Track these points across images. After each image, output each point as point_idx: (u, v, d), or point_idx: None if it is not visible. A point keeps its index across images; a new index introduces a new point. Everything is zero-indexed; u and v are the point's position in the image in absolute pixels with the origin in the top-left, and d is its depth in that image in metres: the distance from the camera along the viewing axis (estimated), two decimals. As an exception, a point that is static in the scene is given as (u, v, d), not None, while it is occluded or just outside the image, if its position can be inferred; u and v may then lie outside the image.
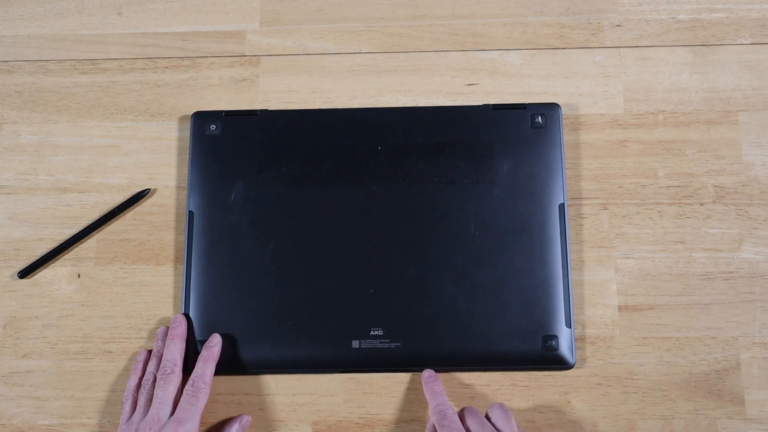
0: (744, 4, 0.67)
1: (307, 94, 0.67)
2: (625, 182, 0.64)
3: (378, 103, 0.66)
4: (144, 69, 0.68)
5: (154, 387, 0.58)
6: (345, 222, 0.62)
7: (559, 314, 0.60)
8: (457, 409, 0.57)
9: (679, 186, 0.63)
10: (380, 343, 0.60)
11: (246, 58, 0.68)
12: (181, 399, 0.56)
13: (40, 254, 0.64)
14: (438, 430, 0.54)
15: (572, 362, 0.59)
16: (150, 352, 0.61)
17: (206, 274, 0.61)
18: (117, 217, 0.64)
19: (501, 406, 0.56)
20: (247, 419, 0.60)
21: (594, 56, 0.67)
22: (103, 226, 0.64)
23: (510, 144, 0.63)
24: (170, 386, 0.57)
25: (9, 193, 0.65)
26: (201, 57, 0.68)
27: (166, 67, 0.68)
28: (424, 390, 0.58)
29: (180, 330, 0.60)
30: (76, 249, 0.64)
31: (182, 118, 0.66)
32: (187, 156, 0.65)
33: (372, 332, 0.60)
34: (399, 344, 0.60)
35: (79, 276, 0.63)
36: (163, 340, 0.60)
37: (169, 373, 0.57)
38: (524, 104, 0.64)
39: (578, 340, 0.61)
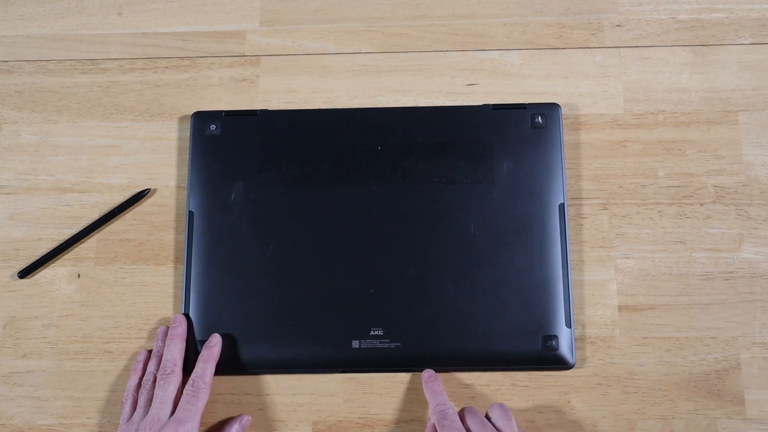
0: (744, 4, 0.67)
1: (307, 94, 0.67)
2: (625, 182, 0.64)
3: (378, 103, 0.66)
4: (144, 69, 0.68)
5: (154, 387, 0.58)
6: (345, 222, 0.62)
7: (559, 314, 0.60)
8: (457, 409, 0.57)
9: (679, 186, 0.63)
10: (380, 343, 0.60)
11: (246, 58, 0.68)
12: (181, 399, 0.56)
13: (40, 254, 0.64)
14: (438, 429, 0.54)
15: (572, 362, 0.59)
16: (150, 352, 0.61)
17: (206, 274, 0.61)
18: (117, 217, 0.64)
19: (501, 406, 0.56)
20: (247, 419, 0.60)
21: (594, 56, 0.67)
22: (103, 226, 0.64)
23: (510, 144, 0.63)
24: (170, 386, 0.57)
25: (9, 193, 0.65)
26: (201, 57, 0.68)
27: (166, 67, 0.68)
28: (425, 390, 0.58)
29: (180, 330, 0.60)
30: (76, 249, 0.64)
31: (182, 118, 0.66)
32: (187, 156, 0.65)
33: (372, 332, 0.60)
34: (399, 344, 0.60)
35: (79, 276, 0.63)
36: (163, 340, 0.60)
37: (169, 373, 0.57)
38: (524, 104, 0.64)
39: (578, 340, 0.61)
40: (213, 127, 0.64)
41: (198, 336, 0.60)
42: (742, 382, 0.60)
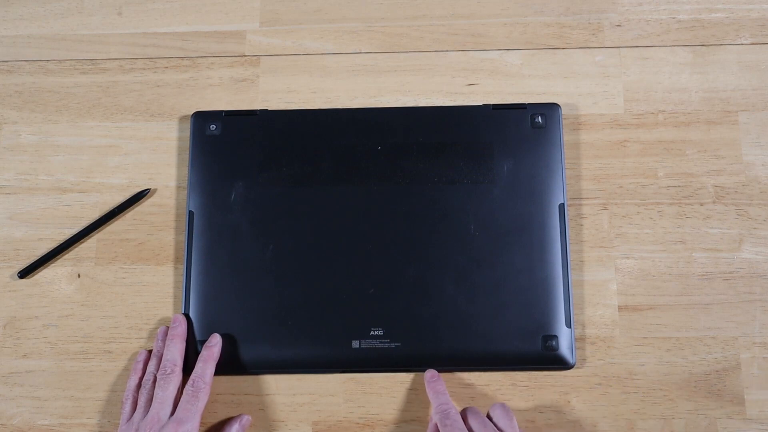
0: (744, 4, 0.67)
1: (307, 94, 0.67)
2: (625, 182, 0.64)
3: (378, 103, 0.66)
4: (144, 69, 0.68)
5: (154, 387, 0.58)
6: (345, 222, 0.62)
7: (559, 314, 0.60)
8: (458, 409, 0.57)
9: (679, 186, 0.63)
10: (380, 343, 0.60)
11: (246, 58, 0.68)
12: (181, 399, 0.56)
13: (40, 254, 0.64)
14: (440, 429, 0.54)
15: (572, 362, 0.59)
16: (150, 352, 0.61)
17: (206, 274, 0.61)
18: (117, 217, 0.64)
19: (503, 406, 0.56)
20: (247, 419, 0.60)
21: (594, 56, 0.67)
22: (103, 226, 0.64)
23: (510, 144, 0.63)
24: (170, 386, 0.57)
25: (9, 193, 0.65)
26: (201, 57, 0.68)
27: (166, 67, 0.68)
28: (427, 390, 0.58)
29: (180, 330, 0.60)
30: (76, 249, 0.64)
31: (182, 118, 0.66)
32: (187, 156, 0.65)
33: (372, 332, 0.60)
34: (399, 344, 0.60)
35: (79, 276, 0.63)
36: (163, 340, 0.60)
37: (169, 373, 0.57)
38: (524, 104, 0.64)
39: (578, 340, 0.61)
40: (213, 127, 0.64)
41: (198, 336, 0.60)
42: (742, 382, 0.60)
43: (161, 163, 0.66)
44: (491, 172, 0.62)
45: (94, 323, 0.63)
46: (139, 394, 0.58)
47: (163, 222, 0.64)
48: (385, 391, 0.61)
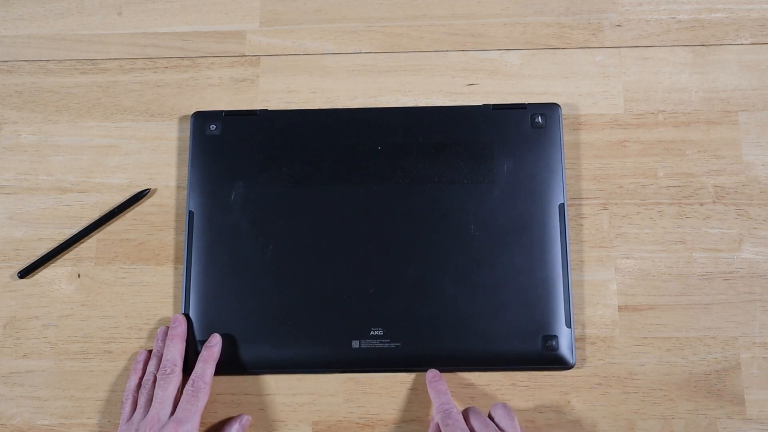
0: (744, 4, 0.67)
1: (307, 94, 0.67)
2: (625, 182, 0.64)
3: (378, 103, 0.66)
4: (144, 69, 0.68)
5: (154, 387, 0.58)
6: (345, 222, 0.62)
7: (559, 314, 0.60)
8: (459, 409, 0.57)
9: (679, 186, 0.63)
10: (380, 343, 0.60)
11: (246, 58, 0.68)
12: (181, 399, 0.56)
13: (40, 254, 0.64)
14: (442, 428, 0.54)
15: (572, 362, 0.59)
16: (150, 352, 0.61)
17: (206, 274, 0.61)
18: (117, 217, 0.64)
19: (504, 406, 0.56)
20: (247, 419, 0.60)
21: (594, 56, 0.67)
22: (103, 226, 0.64)
23: (510, 144, 0.63)
24: (170, 386, 0.57)
25: (9, 193, 0.65)
26: (201, 57, 0.68)
27: (166, 67, 0.68)
28: (429, 389, 0.58)
29: (180, 330, 0.60)
30: (76, 249, 0.64)
31: (182, 118, 0.66)
32: (187, 156, 0.65)
33: (372, 332, 0.60)
34: (399, 344, 0.60)
35: (79, 276, 0.63)
36: (163, 340, 0.60)
37: (169, 373, 0.57)
38: (524, 104, 0.64)
39: (578, 340, 0.61)
40: (213, 127, 0.64)
41: (198, 336, 0.60)
42: (742, 382, 0.60)
43: (161, 163, 0.66)
44: (491, 172, 0.62)
45: (94, 323, 0.63)
46: (139, 394, 0.58)
47: (163, 222, 0.64)
48: (385, 391, 0.61)
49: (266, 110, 0.65)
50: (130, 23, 0.69)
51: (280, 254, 0.61)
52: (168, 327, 0.61)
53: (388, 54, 0.67)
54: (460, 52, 0.67)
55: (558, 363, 0.59)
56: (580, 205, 0.63)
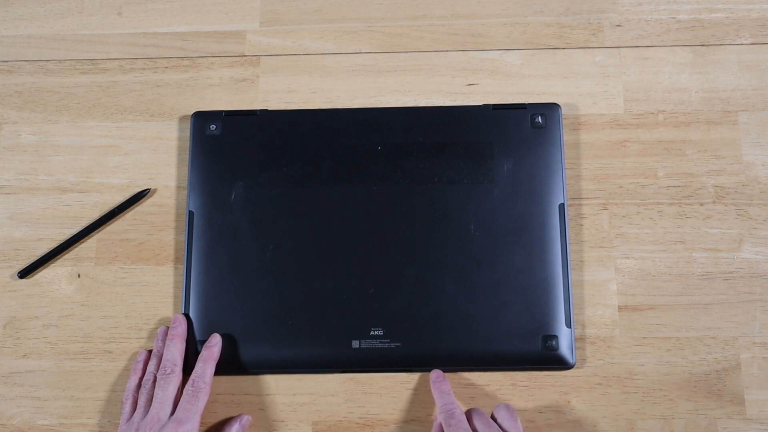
0: (744, 4, 0.67)
1: (307, 94, 0.67)
2: (625, 182, 0.64)
3: (378, 103, 0.66)
4: (144, 69, 0.68)
5: (154, 387, 0.58)
6: (345, 222, 0.62)
7: (559, 314, 0.60)
8: (463, 410, 0.57)
9: (679, 186, 0.63)
10: (380, 343, 0.60)
11: (246, 58, 0.68)
12: (181, 399, 0.56)
13: (40, 254, 0.64)
14: (445, 429, 0.54)
15: (572, 362, 0.59)
16: (150, 352, 0.61)
17: (206, 274, 0.61)
18: (117, 217, 0.64)
19: (507, 406, 0.56)
20: (247, 419, 0.60)
21: (594, 56, 0.67)
22: (103, 226, 0.64)
23: (510, 144, 0.63)
24: (170, 386, 0.57)
25: (9, 193, 0.65)
26: (201, 57, 0.68)
27: (166, 67, 0.68)
28: (432, 390, 0.58)
29: (180, 330, 0.60)
30: (76, 249, 0.64)
31: (182, 118, 0.66)
32: (187, 156, 0.65)
33: (372, 332, 0.60)
34: (399, 344, 0.60)
35: (79, 276, 0.63)
36: (163, 340, 0.60)
37: (169, 373, 0.57)
38: (524, 104, 0.64)
39: (578, 340, 0.61)
40: (213, 127, 0.64)
41: (198, 336, 0.60)
42: (742, 382, 0.60)
43: (161, 163, 0.66)
44: (491, 172, 0.62)
45: (94, 323, 0.63)
46: (139, 394, 0.58)
47: (163, 222, 0.64)
48: (385, 391, 0.61)
49: (266, 110, 0.65)
50: (130, 23, 0.69)
51: (280, 254, 0.61)
52: (168, 327, 0.61)
53: (388, 54, 0.67)
54: (460, 52, 0.67)
55: (558, 363, 0.59)
56: (580, 205, 0.63)
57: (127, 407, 0.58)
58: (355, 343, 0.60)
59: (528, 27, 0.67)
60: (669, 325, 0.61)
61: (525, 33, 0.67)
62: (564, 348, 0.59)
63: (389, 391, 0.61)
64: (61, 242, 0.64)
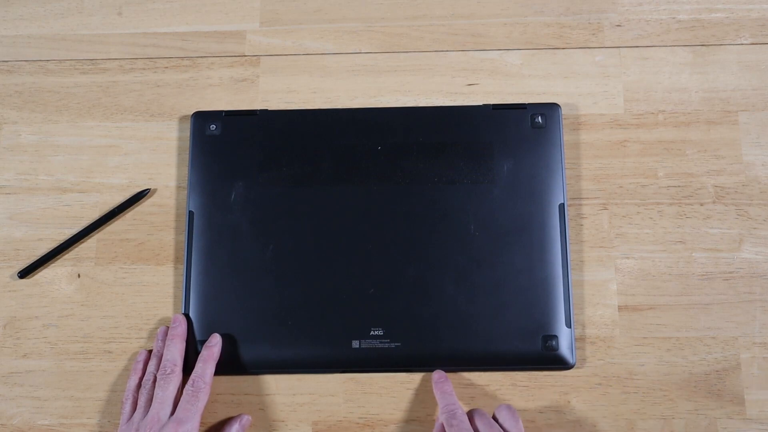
0: (744, 4, 0.67)
1: (307, 94, 0.67)
2: (625, 182, 0.64)
3: (378, 103, 0.66)
4: (144, 69, 0.68)
5: (154, 387, 0.58)
6: (345, 222, 0.62)
7: (559, 314, 0.60)
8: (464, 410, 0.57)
9: (679, 186, 0.63)
10: (380, 343, 0.60)
11: (246, 58, 0.68)
12: (181, 399, 0.56)
13: (40, 254, 0.64)
14: (447, 429, 0.54)
15: (572, 362, 0.59)
16: (150, 352, 0.61)
17: (206, 274, 0.61)
18: (117, 217, 0.64)
19: (508, 407, 0.56)
20: (247, 419, 0.60)
21: (594, 56, 0.67)
22: (103, 226, 0.64)
23: (510, 144, 0.63)
24: (170, 386, 0.57)
25: (9, 193, 0.65)
26: (201, 57, 0.68)
27: (166, 67, 0.68)
28: (434, 390, 0.58)
29: (180, 330, 0.60)
30: (76, 249, 0.64)
31: (182, 118, 0.66)
32: (187, 156, 0.65)
33: (372, 332, 0.60)
34: (399, 344, 0.60)
35: (79, 276, 0.63)
36: (163, 340, 0.60)
37: (169, 373, 0.57)
38: (524, 104, 0.64)
39: (578, 340, 0.61)
40: (213, 127, 0.64)
41: (198, 336, 0.60)
42: (742, 382, 0.60)
43: (161, 163, 0.66)
44: (491, 172, 0.62)
45: (94, 323, 0.63)
46: (139, 394, 0.58)
47: (163, 222, 0.64)
48: (385, 391, 0.61)
49: (266, 110, 0.65)
50: (130, 23, 0.69)
51: (280, 254, 0.61)
52: (168, 327, 0.61)
53: (388, 54, 0.67)
54: (460, 52, 0.67)
55: (558, 363, 0.59)
56: (580, 205, 0.63)
57: (127, 407, 0.58)
58: (355, 343, 0.60)
59: (528, 27, 0.67)
60: (669, 325, 0.61)
61: (525, 33, 0.67)
62: (564, 348, 0.59)
63: (389, 391, 0.61)
64: (61, 242, 0.64)
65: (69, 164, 0.66)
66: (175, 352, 0.59)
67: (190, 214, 0.62)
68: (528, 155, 0.63)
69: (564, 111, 0.65)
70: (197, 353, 0.60)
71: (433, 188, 0.62)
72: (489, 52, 0.67)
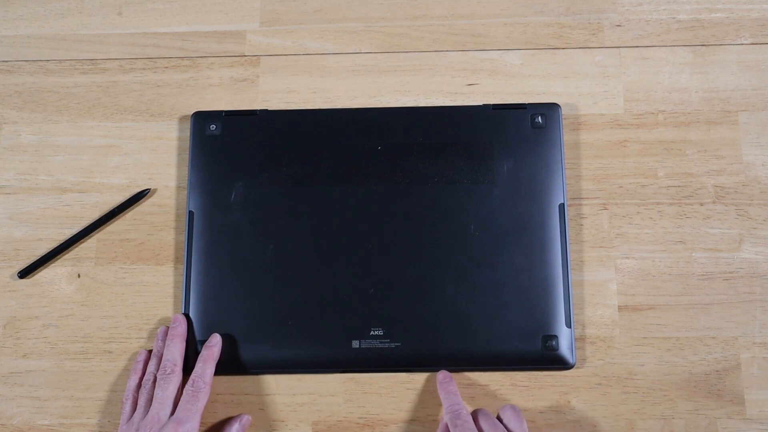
0: (744, 4, 0.67)
1: (307, 94, 0.67)
2: (625, 182, 0.64)
3: (378, 103, 0.66)
4: (144, 69, 0.68)
5: (154, 387, 0.58)
6: (345, 222, 0.62)
7: (559, 314, 0.60)
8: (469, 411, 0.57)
9: (679, 186, 0.63)
10: (380, 343, 0.60)
11: (246, 58, 0.68)
12: (181, 399, 0.56)
13: (40, 254, 0.64)
14: (451, 429, 0.54)
15: (572, 362, 0.59)
16: (150, 352, 0.61)
17: (206, 274, 0.61)
18: (117, 217, 0.64)
19: (513, 407, 0.56)
20: (247, 419, 0.60)
21: (594, 56, 0.67)
22: (103, 226, 0.64)
23: (510, 144, 0.63)
24: (170, 386, 0.57)
25: (9, 193, 0.65)
26: (201, 57, 0.68)
27: (166, 67, 0.68)
28: (439, 390, 0.58)
29: (180, 330, 0.60)
30: (76, 249, 0.64)
31: (182, 118, 0.66)
32: (187, 156, 0.65)
33: (372, 332, 0.60)
34: (399, 344, 0.60)
35: (79, 276, 0.63)
36: (163, 340, 0.60)
37: (169, 373, 0.57)
38: (524, 104, 0.64)
39: (578, 340, 0.61)
40: (213, 127, 0.64)
41: (198, 336, 0.60)
42: (742, 382, 0.60)
43: (161, 163, 0.66)
44: (491, 172, 0.62)
45: (94, 323, 0.63)
46: (139, 394, 0.58)
47: (163, 222, 0.64)
48: (385, 391, 0.61)
49: (266, 110, 0.65)
50: (130, 23, 0.69)
51: (280, 254, 0.61)
52: (168, 327, 0.61)
53: (388, 54, 0.67)
54: (460, 52, 0.67)
55: (558, 363, 0.59)
56: (580, 205, 0.63)
57: (127, 407, 0.58)
58: (355, 343, 0.60)
59: (528, 27, 0.67)
60: (669, 325, 0.61)
61: (525, 33, 0.67)
62: (564, 348, 0.59)
63: (389, 391, 0.61)
64: (61, 242, 0.64)
65: (69, 164, 0.66)
66: (175, 352, 0.59)
67: (190, 214, 0.62)
68: (528, 155, 0.63)
69: (564, 111, 0.65)
70: (197, 353, 0.60)
71: (433, 188, 0.62)
72: (489, 52, 0.67)
